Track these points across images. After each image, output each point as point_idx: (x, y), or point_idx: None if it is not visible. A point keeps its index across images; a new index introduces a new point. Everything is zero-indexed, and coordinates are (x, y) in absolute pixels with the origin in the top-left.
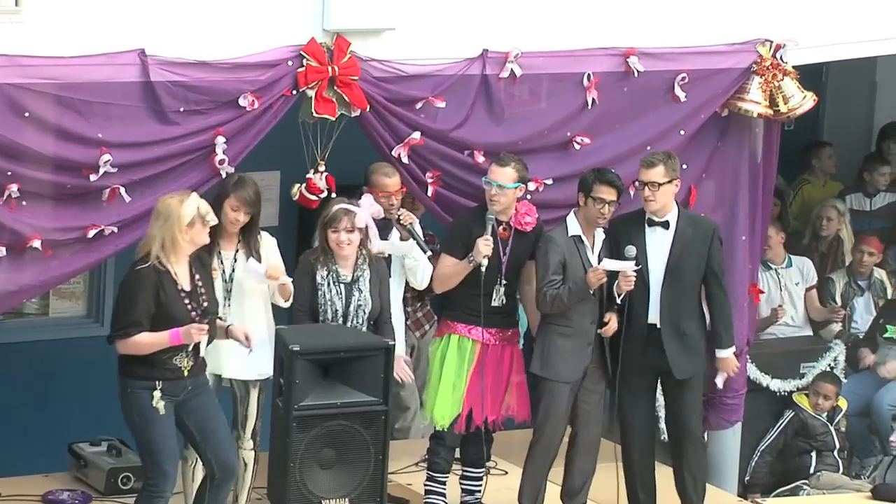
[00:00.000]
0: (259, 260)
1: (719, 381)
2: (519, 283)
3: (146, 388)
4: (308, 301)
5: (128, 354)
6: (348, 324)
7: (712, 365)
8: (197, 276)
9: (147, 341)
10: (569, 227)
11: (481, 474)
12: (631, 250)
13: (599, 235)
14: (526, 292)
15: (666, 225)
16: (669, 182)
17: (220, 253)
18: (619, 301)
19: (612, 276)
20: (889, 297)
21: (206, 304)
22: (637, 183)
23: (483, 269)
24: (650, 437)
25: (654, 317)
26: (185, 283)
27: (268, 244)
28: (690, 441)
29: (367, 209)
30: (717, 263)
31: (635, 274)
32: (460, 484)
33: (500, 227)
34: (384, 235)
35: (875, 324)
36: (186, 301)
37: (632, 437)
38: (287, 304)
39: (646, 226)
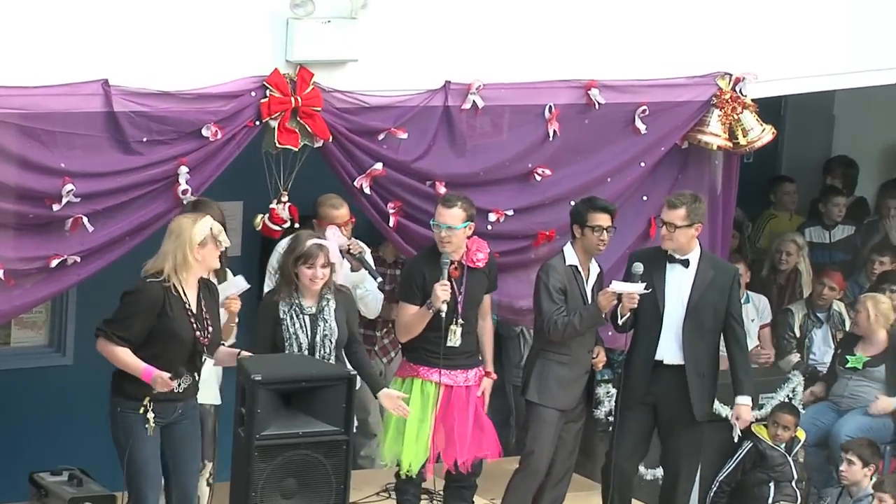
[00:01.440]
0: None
1: (737, 434)
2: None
3: (135, 408)
4: (267, 342)
5: (121, 373)
6: (316, 355)
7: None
8: (203, 302)
9: (123, 359)
10: (566, 256)
11: None
12: (638, 267)
13: (594, 268)
14: (482, 327)
15: (686, 263)
16: (689, 226)
17: None
18: (620, 322)
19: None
20: (847, 329)
21: (210, 329)
22: (657, 219)
23: (443, 314)
24: (633, 472)
25: (661, 353)
26: (192, 304)
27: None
28: (687, 482)
29: (335, 242)
30: (735, 308)
31: (638, 294)
32: None
33: (452, 267)
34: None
35: (836, 355)
36: (193, 321)
37: (617, 469)
38: (227, 344)
39: (666, 262)
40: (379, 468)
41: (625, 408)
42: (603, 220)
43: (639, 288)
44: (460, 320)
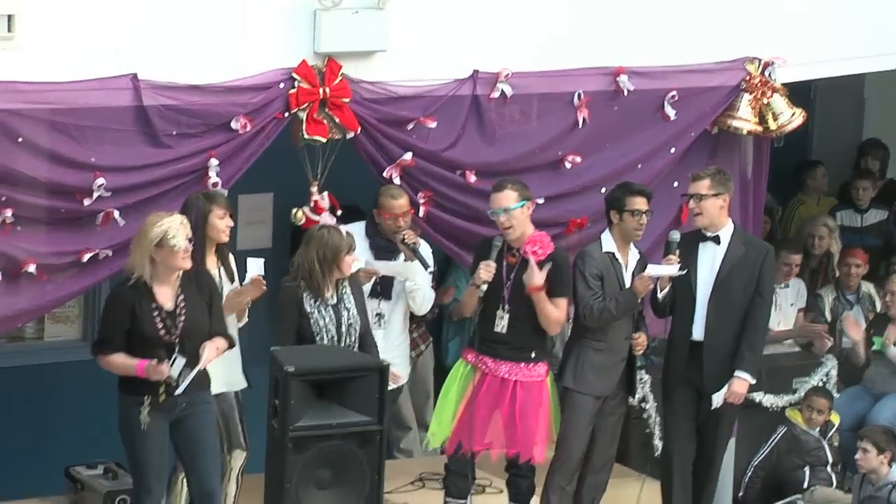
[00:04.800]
0: (232, 277)
1: (716, 400)
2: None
3: (135, 403)
4: (292, 334)
5: None
6: (342, 345)
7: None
8: (181, 297)
9: (117, 363)
10: (603, 243)
11: None
12: (674, 234)
13: (633, 255)
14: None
15: (717, 240)
16: (715, 196)
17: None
18: (660, 297)
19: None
20: (878, 310)
21: (181, 325)
22: (684, 196)
23: (480, 293)
24: (690, 456)
25: (698, 333)
26: (166, 301)
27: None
28: (717, 465)
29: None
30: (765, 287)
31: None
32: None
33: (509, 254)
34: (390, 257)
35: (866, 337)
36: (159, 321)
37: (671, 455)
38: (240, 324)
39: (699, 242)
40: (416, 459)
41: (669, 391)
42: (641, 203)
43: (674, 270)
44: (507, 306)
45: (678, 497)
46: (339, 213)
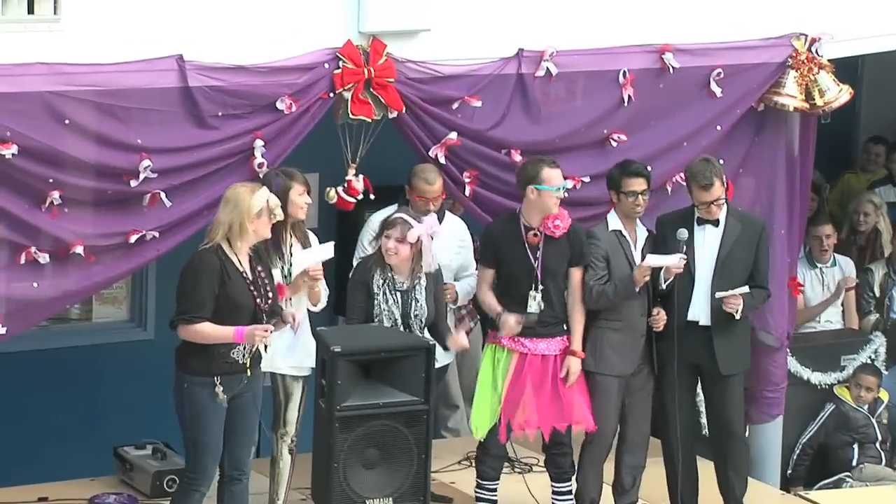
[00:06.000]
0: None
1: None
2: (567, 291)
3: (204, 383)
4: (362, 314)
5: (186, 348)
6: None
7: (756, 361)
8: (259, 268)
9: (210, 333)
10: (609, 222)
11: (566, 488)
12: (683, 233)
13: (641, 232)
14: (571, 304)
15: (716, 223)
16: (726, 190)
17: (281, 247)
18: (663, 287)
19: (656, 271)
20: None
21: (271, 294)
22: (699, 205)
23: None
24: (691, 433)
25: (694, 314)
26: (247, 271)
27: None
28: (734, 439)
29: (424, 228)
30: (761, 264)
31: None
32: (551, 498)
33: (531, 233)
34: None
35: None
36: (252, 288)
37: (673, 433)
38: (316, 309)
39: (695, 223)
40: (463, 438)
41: (665, 374)
42: (637, 185)
43: (673, 260)
44: (539, 286)
45: (686, 471)
46: (372, 196)
